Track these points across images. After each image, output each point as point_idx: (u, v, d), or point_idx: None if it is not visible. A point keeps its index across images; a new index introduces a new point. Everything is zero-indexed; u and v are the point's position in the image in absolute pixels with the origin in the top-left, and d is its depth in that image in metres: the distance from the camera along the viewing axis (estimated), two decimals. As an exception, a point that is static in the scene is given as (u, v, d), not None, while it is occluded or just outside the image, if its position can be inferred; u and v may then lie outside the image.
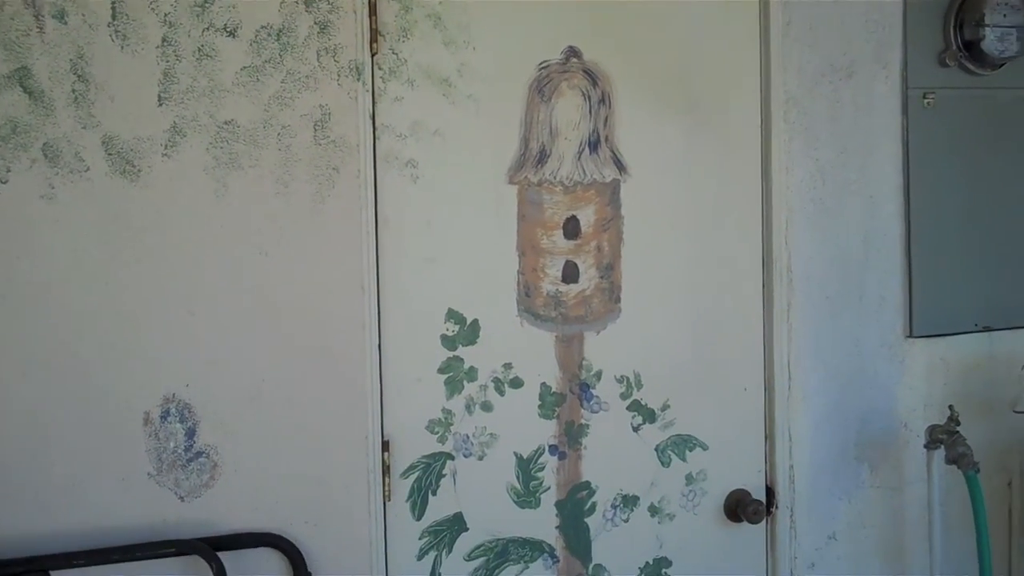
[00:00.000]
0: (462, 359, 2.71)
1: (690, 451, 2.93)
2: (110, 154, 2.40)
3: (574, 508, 2.84)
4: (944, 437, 2.96)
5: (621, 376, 2.86)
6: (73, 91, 2.37)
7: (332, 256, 2.57)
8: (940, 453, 3.00)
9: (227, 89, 2.48)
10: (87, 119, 2.38)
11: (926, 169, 3.10)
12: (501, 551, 2.78)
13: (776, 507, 3.00)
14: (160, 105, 2.43)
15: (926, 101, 3.10)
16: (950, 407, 2.98)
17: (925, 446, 3.03)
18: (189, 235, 2.46)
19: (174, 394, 2.48)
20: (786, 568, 3.01)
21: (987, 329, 3.20)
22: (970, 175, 3.16)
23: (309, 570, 2.55)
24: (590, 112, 2.80)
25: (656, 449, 2.90)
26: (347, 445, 2.60)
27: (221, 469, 2.51)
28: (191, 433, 2.49)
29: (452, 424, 2.71)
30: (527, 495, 2.79)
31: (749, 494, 2.97)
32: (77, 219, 2.39)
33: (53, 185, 2.37)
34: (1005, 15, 3.07)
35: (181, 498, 2.49)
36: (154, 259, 2.44)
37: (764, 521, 2.99)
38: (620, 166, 2.83)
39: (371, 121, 2.60)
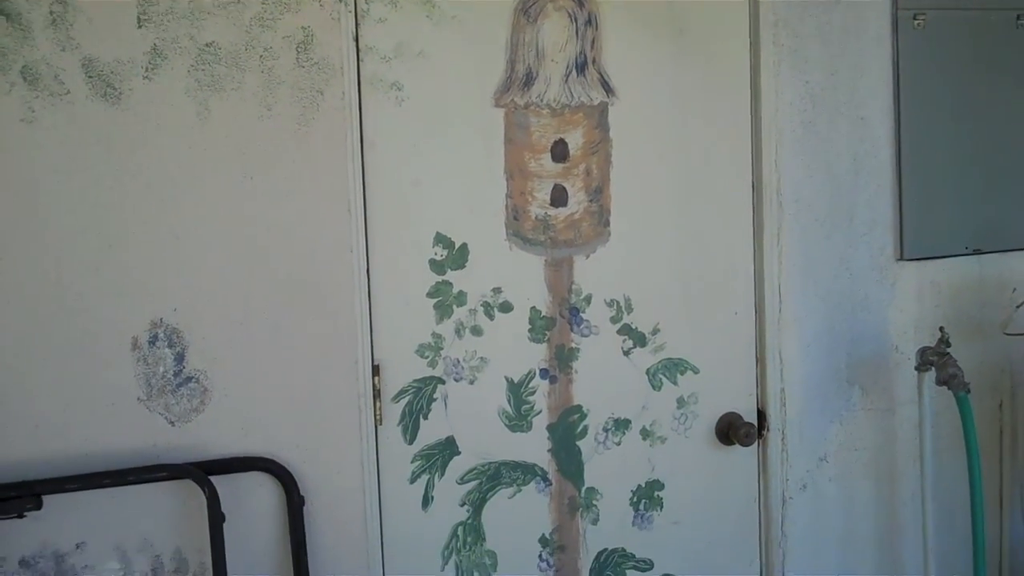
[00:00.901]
0: (451, 283, 2.70)
1: (681, 375, 2.93)
2: (90, 76, 2.38)
3: (566, 432, 2.84)
4: (935, 359, 2.96)
5: (611, 300, 2.85)
6: (51, 13, 2.35)
7: (318, 180, 2.55)
8: (931, 375, 3.00)
9: (208, 11, 2.45)
10: (66, 41, 2.36)
11: (917, 91, 3.08)
12: (493, 474, 2.78)
13: (767, 430, 3.00)
14: (140, 27, 2.41)
15: (916, 22, 3.08)
16: (941, 328, 2.98)
17: (916, 368, 3.03)
18: (172, 158, 2.45)
19: (161, 319, 2.47)
20: (777, 490, 3.02)
21: (977, 252, 3.19)
22: (961, 97, 3.14)
23: (302, 493, 2.55)
24: (577, 34, 2.77)
25: (647, 373, 2.90)
26: (337, 369, 2.59)
27: (211, 394, 2.51)
28: (180, 358, 2.48)
29: (442, 348, 2.71)
30: (519, 419, 2.79)
31: (740, 417, 2.98)
32: (58, 142, 2.38)
33: (33, 108, 2.35)
34: (996, -68, 3.04)
35: (172, 423, 2.49)
36: (137, 183, 2.43)
37: (756, 444, 3.00)
38: (608, 89, 2.81)
39: (354, 43, 2.58)
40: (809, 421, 3.05)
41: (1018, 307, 3.08)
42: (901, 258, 3.10)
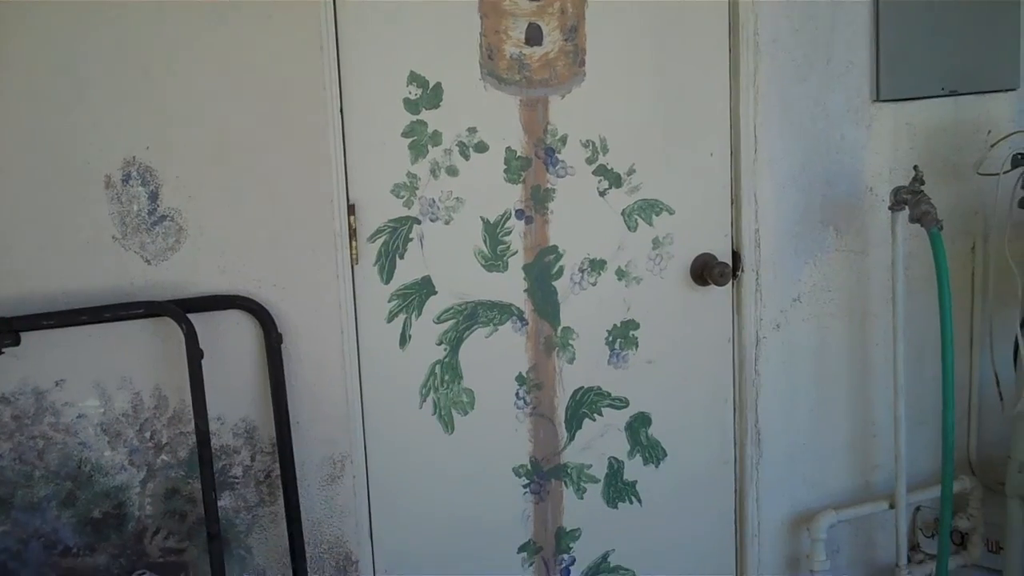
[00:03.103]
0: (425, 123, 2.69)
1: (656, 215, 2.94)
2: (53, -95, 2.33)
3: (542, 272, 2.86)
4: (908, 197, 2.97)
5: (587, 141, 2.84)
6: None
7: (290, 17, 2.51)
8: (904, 214, 3.02)
9: None
10: None
11: (895, -71, 3.04)
12: (470, 314, 2.81)
13: (742, 270, 3.03)
14: None
15: None
16: (915, 167, 2.98)
17: (890, 207, 3.05)
18: (140, -8, 2.41)
19: (134, 157, 2.45)
20: (751, 329, 3.06)
21: (953, 93, 3.19)
22: (940, -65, 3.10)
23: (279, 332, 2.57)
24: None
25: (623, 214, 2.91)
26: (313, 209, 2.59)
27: (187, 232, 2.51)
28: (154, 196, 2.47)
29: (418, 188, 2.71)
30: (494, 259, 2.81)
31: (715, 257, 3.00)
32: (24, -25, 2.33)
33: (-4, -61, 2.30)
34: None
35: (148, 261, 2.49)
36: (108, 18, 2.39)
37: (730, 284, 3.03)
38: (582, -76, 2.76)
39: None
40: (783, 262, 3.07)
41: (992, 147, 3.08)
42: (877, 99, 3.09)
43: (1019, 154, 2.90)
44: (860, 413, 3.27)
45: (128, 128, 2.44)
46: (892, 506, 3.23)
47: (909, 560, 3.30)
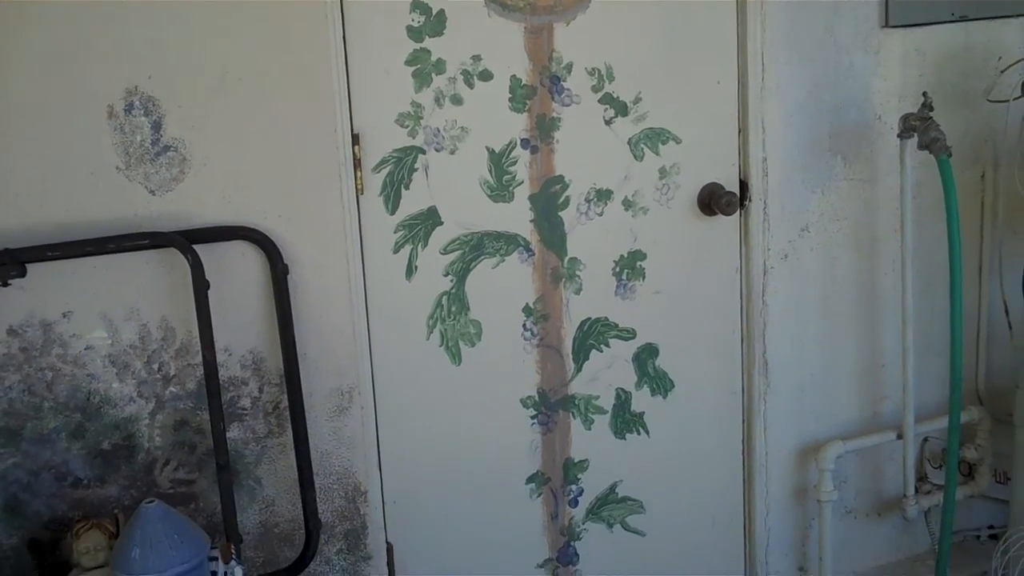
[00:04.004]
0: (429, 51, 2.66)
1: (663, 144, 2.92)
2: None
3: (548, 202, 2.85)
4: (917, 124, 2.94)
5: (592, 68, 2.82)
6: None
7: (290, -57, 2.48)
8: (913, 142, 2.99)
9: None
10: None
11: None
12: (476, 244, 2.80)
13: (749, 200, 3.01)
14: None
15: None
16: (924, 93, 2.95)
17: (898, 135, 3.02)
18: (139, -83, 2.38)
19: (136, 87, 2.43)
20: (759, 259, 3.05)
21: (963, 19, 3.15)
22: None
23: (285, 262, 2.56)
24: None
25: (629, 143, 2.89)
26: (317, 138, 2.57)
27: (190, 163, 2.49)
28: (157, 126, 2.46)
29: (422, 118, 2.69)
30: (500, 189, 2.79)
31: (722, 187, 2.98)
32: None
33: None
34: None
35: (152, 192, 2.48)
36: (105, -56, 2.37)
37: (737, 213, 3.01)
38: None
39: None
40: (791, 191, 3.05)
41: (1002, 73, 3.05)
42: (886, 25, 3.05)
43: (1029, 80, 2.88)
44: (868, 343, 3.27)
45: (130, 58, 2.42)
46: (900, 437, 3.23)
47: (916, 491, 3.31)
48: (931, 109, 2.92)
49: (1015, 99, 2.93)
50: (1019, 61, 2.98)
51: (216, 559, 2.26)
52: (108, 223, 2.45)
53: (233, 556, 2.36)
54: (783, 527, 3.25)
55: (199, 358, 2.50)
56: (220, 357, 2.54)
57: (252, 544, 2.66)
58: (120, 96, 2.43)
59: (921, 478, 3.39)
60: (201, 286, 2.45)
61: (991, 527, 3.57)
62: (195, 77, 2.46)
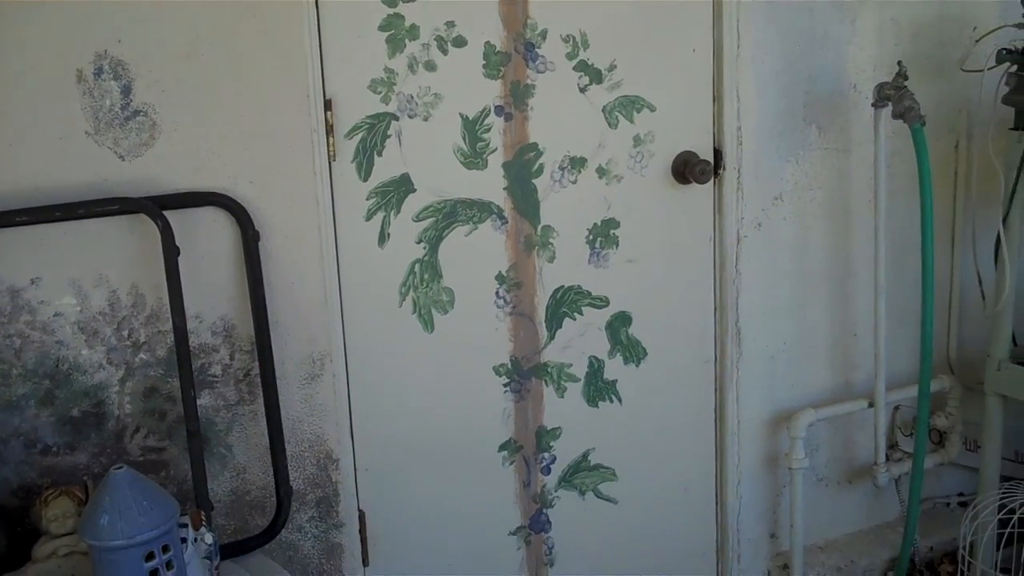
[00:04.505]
0: (403, 16, 2.64)
1: (637, 112, 2.91)
2: None
3: (521, 169, 2.83)
4: (891, 93, 2.94)
5: (567, 35, 2.80)
6: None
7: (261, -95, 2.45)
8: (887, 111, 2.99)
9: None
10: None
11: None
12: (450, 211, 2.78)
13: (723, 168, 3.01)
14: None
15: None
16: (899, 63, 2.94)
17: (873, 104, 3.02)
18: None
19: (106, 50, 2.40)
20: (733, 228, 3.05)
21: (939, -11, 3.15)
22: None
23: (257, 229, 2.55)
24: None
25: (603, 110, 2.88)
26: (288, 104, 2.55)
27: (160, 128, 2.46)
28: (126, 91, 2.43)
29: (395, 84, 2.67)
30: (474, 156, 2.78)
31: (696, 155, 2.97)
32: None
33: None
34: None
35: (121, 157, 2.45)
36: (72, -96, 2.33)
37: (711, 182, 3.01)
38: None
39: None
40: (765, 160, 3.05)
41: (976, 43, 3.04)
42: (862, -6, 3.05)
43: (1004, 50, 2.87)
44: (841, 312, 3.28)
45: (100, 21, 2.38)
46: (871, 405, 3.25)
47: (887, 458, 3.33)
48: (906, 78, 2.92)
49: (989, 69, 2.93)
50: (994, 31, 2.98)
51: (186, 526, 2.25)
52: (77, 189, 2.42)
53: (203, 523, 2.35)
54: (755, 494, 3.27)
55: (169, 325, 2.48)
56: (191, 324, 2.52)
57: (223, 511, 2.66)
58: (89, 60, 2.39)
59: (892, 446, 3.42)
60: (171, 252, 2.43)
61: (961, 494, 3.61)
62: (165, 41, 2.43)
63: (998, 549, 3.12)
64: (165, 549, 2.11)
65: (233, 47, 2.47)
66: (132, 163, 2.46)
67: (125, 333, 2.51)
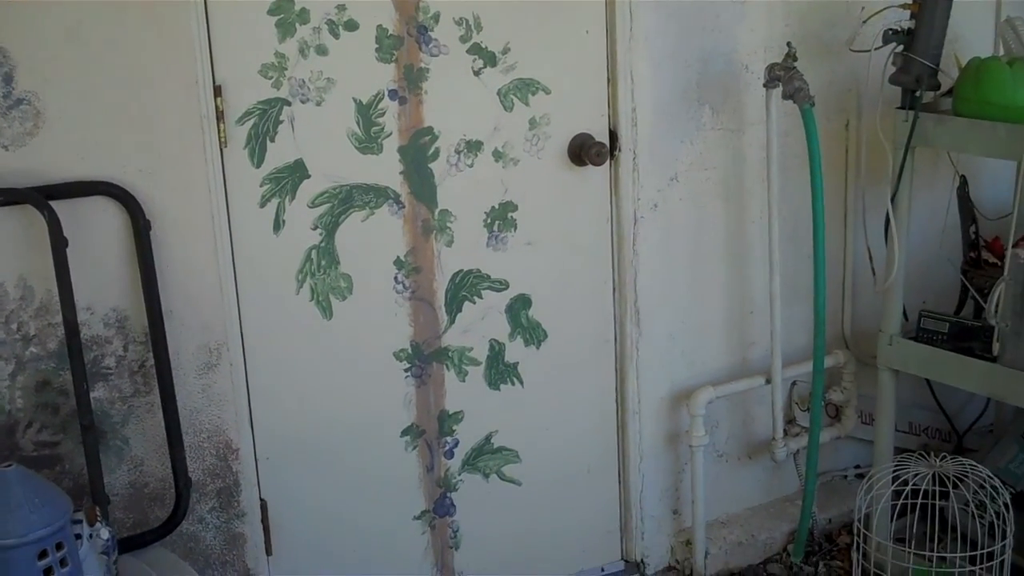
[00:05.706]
0: (292, 0, 2.61)
1: (532, 95, 2.92)
2: None
3: (417, 154, 2.83)
4: (782, 74, 2.99)
5: (460, 18, 2.80)
6: None
7: None
8: (778, 92, 3.04)
9: None
10: None
11: None
12: (345, 197, 2.77)
13: (619, 150, 3.03)
14: None
15: None
16: (788, 44, 2.99)
17: (764, 85, 3.06)
18: None
19: (-16, 37, 2.34)
20: (629, 208, 3.07)
21: (827, -30, 3.20)
22: None
23: (148, 218, 2.51)
24: None
25: (498, 93, 2.88)
26: (177, 90, 2.51)
27: (44, 116, 2.41)
28: (8, 79, 2.37)
29: (286, 69, 2.64)
30: (369, 141, 2.76)
31: (592, 137, 2.99)
32: None
33: None
34: None
35: (5, 147, 2.39)
36: None
37: (608, 163, 3.03)
38: None
39: None
40: (660, 141, 3.08)
41: (864, 23, 3.10)
42: (751, -25, 3.09)
43: (890, 30, 2.92)
44: (737, 291, 3.33)
45: (-25, 6, 2.32)
46: (768, 381, 3.31)
47: (785, 433, 3.40)
48: (795, 59, 2.97)
49: (877, 49, 2.98)
50: (881, 11, 3.03)
51: (81, 522, 2.21)
52: (-41, 179, 2.36)
53: (99, 518, 2.31)
54: (656, 472, 3.31)
55: (60, 317, 2.43)
56: (82, 316, 2.48)
57: (122, 505, 2.62)
58: (-33, 46, 2.33)
59: (790, 421, 3.48)
60: (59, 244, 2.38)
61: (857, 467, 3.69)
62: (48, 26, 2.37)
63: (893, 520, 3.20)
64: (59, 547, 2.07)
65: (119, 32, 2.42)
66: (16, 153, 2.40)
67: (14, 326, 2.45)
